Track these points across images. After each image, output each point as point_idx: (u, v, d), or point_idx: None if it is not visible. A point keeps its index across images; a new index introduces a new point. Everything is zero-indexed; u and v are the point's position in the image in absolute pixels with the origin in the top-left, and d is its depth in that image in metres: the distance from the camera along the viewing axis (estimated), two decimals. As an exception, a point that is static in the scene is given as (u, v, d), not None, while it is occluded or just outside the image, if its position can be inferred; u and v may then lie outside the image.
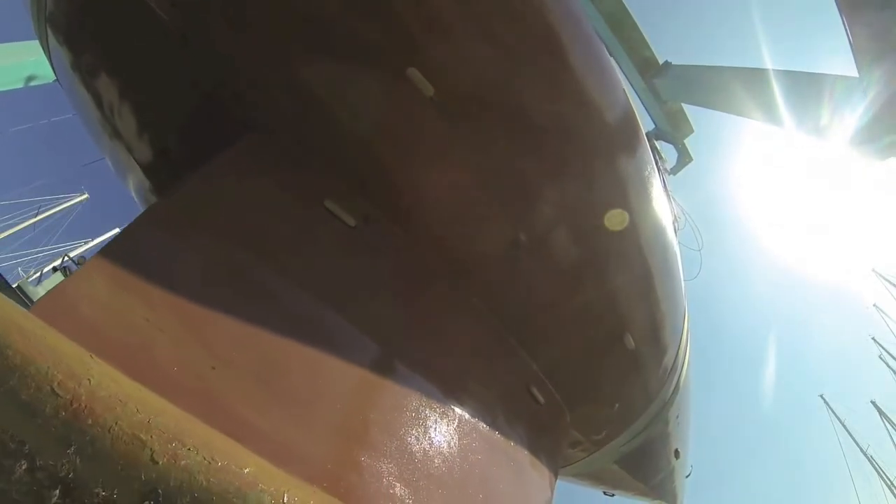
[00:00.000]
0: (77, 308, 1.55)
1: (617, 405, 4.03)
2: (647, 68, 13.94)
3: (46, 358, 0.99)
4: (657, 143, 11.97)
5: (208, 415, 1.25)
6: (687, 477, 7.23)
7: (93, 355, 1.10)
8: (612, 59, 3.61)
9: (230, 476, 1.04)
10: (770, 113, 10.74)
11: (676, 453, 5.70)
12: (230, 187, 2.31)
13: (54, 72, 3.41)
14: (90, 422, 0.96)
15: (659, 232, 3.59)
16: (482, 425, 2.63)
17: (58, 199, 23.71)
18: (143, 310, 1.64)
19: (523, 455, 2.92)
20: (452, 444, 2.34)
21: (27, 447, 0.91)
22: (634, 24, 13.22)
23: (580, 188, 2.97)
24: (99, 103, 2.87)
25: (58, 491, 0.90)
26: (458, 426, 2.44)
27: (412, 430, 2.18)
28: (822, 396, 31.43)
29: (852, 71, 8.32)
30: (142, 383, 1.16)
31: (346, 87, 2.43)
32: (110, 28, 2.56)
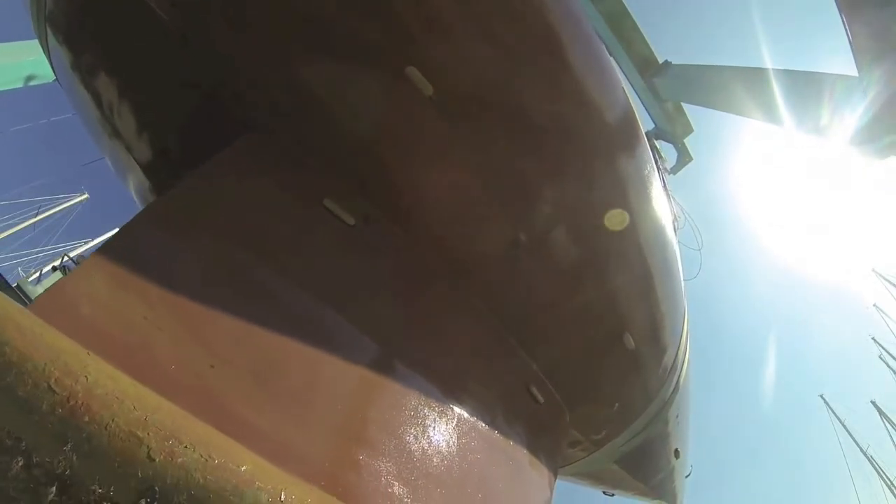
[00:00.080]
0: (76, 306, 1.55)
1: (616, 405, 4.03)
2: (647, 68, 13.95)
3: (43, 355, 0.99)
4: (657, 143, 11.98)
5: (207, 413, 1.25)
6: (687, 477, 7.22)
7: (90, 352, 1.10)
8: (612, 58, 3.61)
9: (227, 474, 1.04)
10: (770, 112, 10.73)
11: (676, 453, 5.70)
12: (230, 186, 2.31)
13: (54, 71, 3.41)
14: (87, 419, 0.96)
15: (659, 232, 3.59)
16: (481, 425, 2.62)
17: (58, 199, 23.75)
18: (142, 308, 1.64)
19: (522, 454, 2.92)
20: (451, 443, 2.34)
21: (24, 444, 0.91)
22: (634, 23, 13.23)
23: (580, 188, 2.97)
24: (99, 103, 2.87)
25: (54, 488, 0.90)
26: (457, 425, 2.44)
27: (411, 429, 2.18)
28: (822, 396, 31.46)
29: (852, 70, 8.32)
30: (140, 381, 1.16)
31: (345, 86, 2.43)
32: (110, 28, 2.57)
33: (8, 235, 20.97)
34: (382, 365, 2.29)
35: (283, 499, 1.08)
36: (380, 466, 1.93)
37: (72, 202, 24.31)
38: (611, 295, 3.35)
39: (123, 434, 0.98)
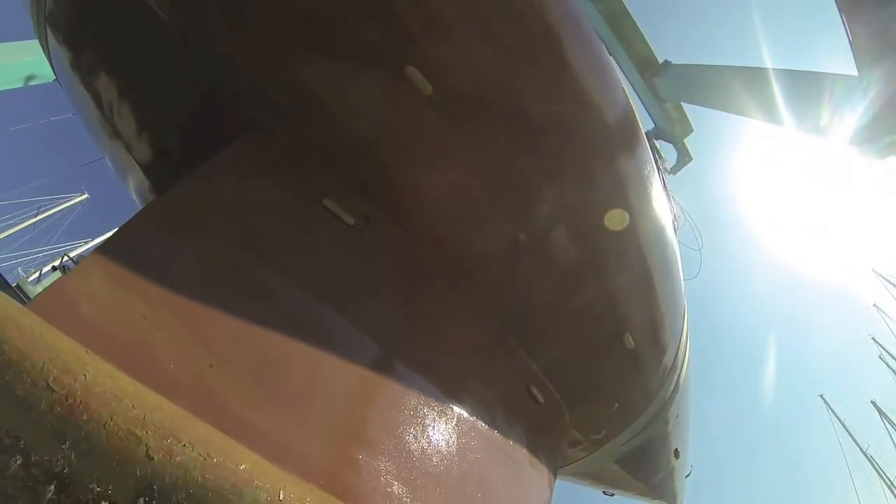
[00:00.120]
0: (75, 305, 1.54)
1: (616, 405, 4.02)
2: (647, 68, 13.96)
3: (42, 353, 0.99)
4: (657, 143, 11.98)
5: (206, 412, 1.24)
6: (687, 477, 7.22)
7: (89, 351, 1.10)
8: (612, 58, 3.61)
9: (226, 473, 1.04)
10: (770, 112, 10.74)
11: (676, 453, 5.70)
12: (229, 186, 2.31)
13: (54, 71, 3.42)
14: (85, 417, 0.96)
15: (659, 232, 3.59)
16: (481, 424, 2.62)
17: (58, 199, 23.77)
18: (142, 307, 1.64)
19: (522, 454, 2.92)
20: (451, 442, 2.34)
21: (22, 442, 0.91)
22: (634, 23, 13.24)
23: (580, 188, 2.96)
24: (98, 103, 2.88)
25: (53, 486, 0.90)
26: (456, 425, 2.44)
27: (411, 428, 2.17)
28: (822, 396, 31.47)
29: (852, 70, 8.32)
30: (139, 380, 1.16)
31: (345, 86, 2.44)
32: (110, 28, 2.57)
33: (8, 235, 21.00)
34: (382, 365, 2.29)
35: (281, 498, 1.08)
36: (379, 466, 1.92)
37: (72, 202, 24.34)
38: (611, 295, 3.35)
39: (122, 433, 0.98)
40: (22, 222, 21.87)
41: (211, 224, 2.13)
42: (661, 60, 14.01)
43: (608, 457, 4.75)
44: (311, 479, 1.50)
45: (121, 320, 1.58)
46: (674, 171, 14.88)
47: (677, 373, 4.50)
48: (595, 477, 5.59)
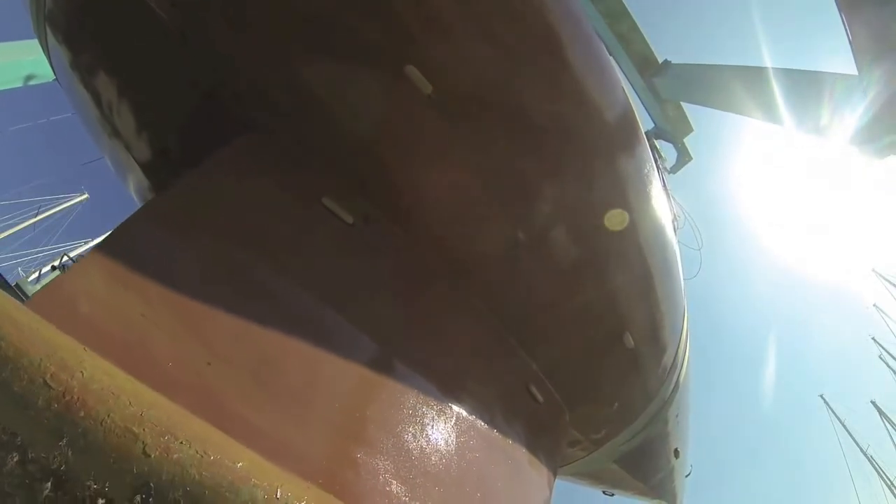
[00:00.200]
0: (73, 302, 1.55)
1: (616, 404, 4.02)
2: (647, 67, 13.97)
3: (39, 350, 0.99)
4: (657, 142, 12.00)
5: (204, 411, 1.25)
6: (687, 476, 7.22)
7: (86, 348, 1.10)
8: (612, 58, 3.61)
9: (223, 470, 1.04)
10: (770, 112, 10.74)
11: (676, 452, 5.69)
12: (229, 186, 2.31)
13: (53, 71, 3.42)
14: (82, 414, 0.96)
15: (659, 231, 3.58)
16: (481, 424, 2.62)
17: (58, 198, 23.76)
18: (140, 305, 1.64)
19: (522, 454, 2.91)
20: (450, 442, 2.33)
21: (19, 439, 0.91)
22: (634, 23, 13.25)
23: (580, 188, 2.96)
24: (98, 102, 2.88)
25: (50, 483, 0.90)
26: (456, 424, 2.44)
27: (410, 428, 2.17)
28: (822, 396, 31.42)
29: (852, 70, 8.31)
30: (137, 378, 1.16)
31: (345, 86, 2.44)
32: (110, 27, 2.57)
33: (8, 235, 20.99)
34: (382, 364, 2.29)
35: (278, 496, 1.08)
36: (378, 465, 1.92)
37: (72, 202, 24.32)
38: (611, 295, 3.35)
39: (119, 430, 0.97)
40: (22, 222, 21.87)
41: (210, 223, 2.13)
42: (660, 60, 14.02)
43: (608, 456, 4.75)
44: (310, 477, 1.50)
45: (119, 318, 1.58)
46: (674, 170, 14.90)
47: (677, 372, 4.49)
48: (595, 476, 5.59)
